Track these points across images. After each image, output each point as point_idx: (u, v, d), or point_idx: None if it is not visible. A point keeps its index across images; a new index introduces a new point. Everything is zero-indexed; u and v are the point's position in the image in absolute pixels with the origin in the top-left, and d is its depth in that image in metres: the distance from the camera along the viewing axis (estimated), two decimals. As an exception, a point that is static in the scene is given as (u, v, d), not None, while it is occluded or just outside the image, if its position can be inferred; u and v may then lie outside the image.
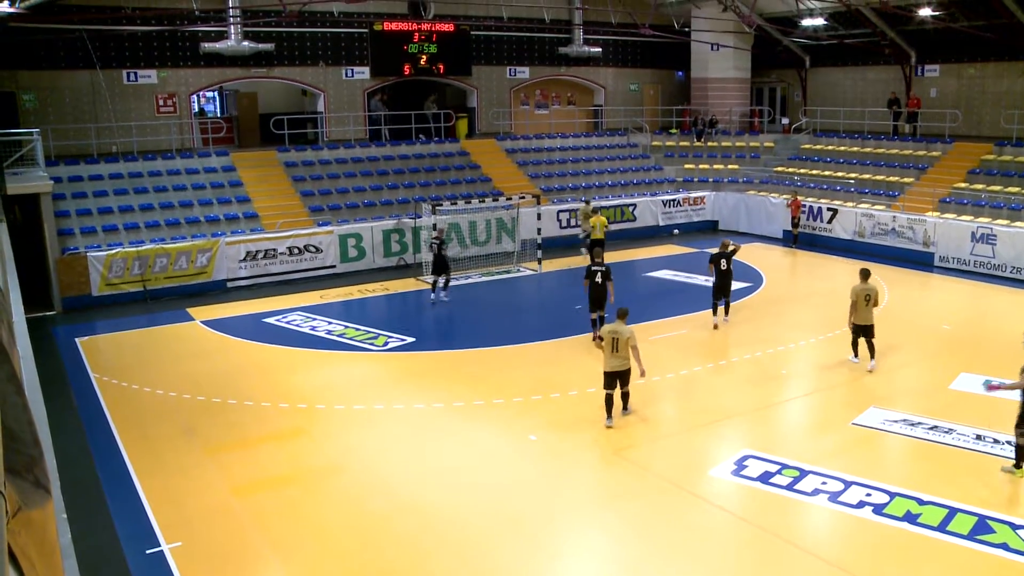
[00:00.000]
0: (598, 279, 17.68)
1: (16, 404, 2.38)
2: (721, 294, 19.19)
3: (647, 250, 27.93)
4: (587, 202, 26.99)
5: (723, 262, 19.01)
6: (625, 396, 13.97)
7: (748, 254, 26.18)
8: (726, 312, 19.46)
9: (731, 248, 19.67)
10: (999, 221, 24.96)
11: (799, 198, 29.14)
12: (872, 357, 16.17)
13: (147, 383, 15.98)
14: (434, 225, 23.36)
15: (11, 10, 21.90)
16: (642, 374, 13.63)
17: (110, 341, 19.22)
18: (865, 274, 16.24)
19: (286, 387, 15.75)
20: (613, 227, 29.88)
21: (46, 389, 15.13)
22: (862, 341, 16.30)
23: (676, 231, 30.88)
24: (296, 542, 10.21)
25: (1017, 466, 11.75)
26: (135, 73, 27.90)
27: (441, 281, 21.90)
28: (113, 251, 22.08)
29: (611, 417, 13.64)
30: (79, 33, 26.13)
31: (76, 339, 19.06)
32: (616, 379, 13.65)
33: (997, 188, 26.93)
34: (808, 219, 29.57)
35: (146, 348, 18.58)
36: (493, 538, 10.25)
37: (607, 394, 13.63)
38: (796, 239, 28.88)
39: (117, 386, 15.92)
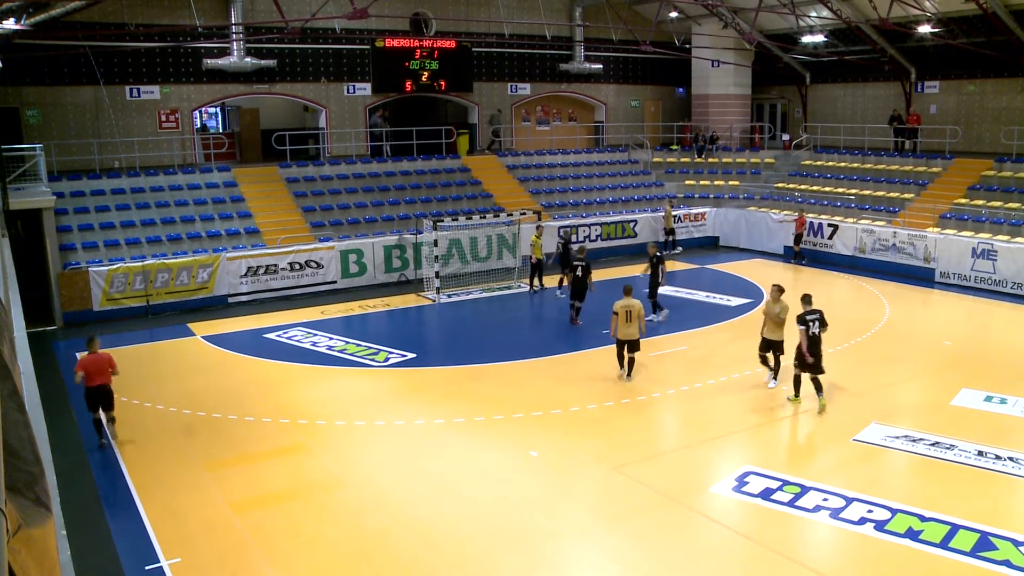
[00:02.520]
0: (579, 273, 20.60)
1: (17, 422, 2.39)
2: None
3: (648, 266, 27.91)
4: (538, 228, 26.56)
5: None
6: (631, 362, 16.60)
7: (749, 270, 26.24)
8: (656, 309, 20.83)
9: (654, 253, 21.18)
10: (1000, 237, 24.99)
11: (804, 215, 29.15)
12: (775, 375, 16.16)
13: (148, 398, 15.98)
14: (560, 230, 26.92)
15: (16, 27, 22.07)
16: (641, 335, 16.48)
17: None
18: (779, 290, 15.87)
19: (287, 403, 15.74)
20: (613, 243, 30.05)
21: (47, 405, 15.09)
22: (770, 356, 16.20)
23: (680, 248, 30.94)
24: (296, 558, 10.19)
25: (797, 396, 15.20)
26: (138, 89, 28.02)
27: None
28: (115, 266, 22.11)
29: (623, 368, 16.65)
30: (83, 49, 26.28)
31: (77, 354, 18.95)
32: (626, 345, 16.45)
33: (997, 204, 26.97)
34: (809, 235, 29.61)
35: (147, 363, 18.57)
36: (493, 554, 10.22)
37: (619, 353, 16.63)
38: (797, 255, 28.88)
39: (117, 401, 15.86)
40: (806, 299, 15.24)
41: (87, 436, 14.21)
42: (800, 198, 31.92)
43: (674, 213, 31.85)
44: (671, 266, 27.19)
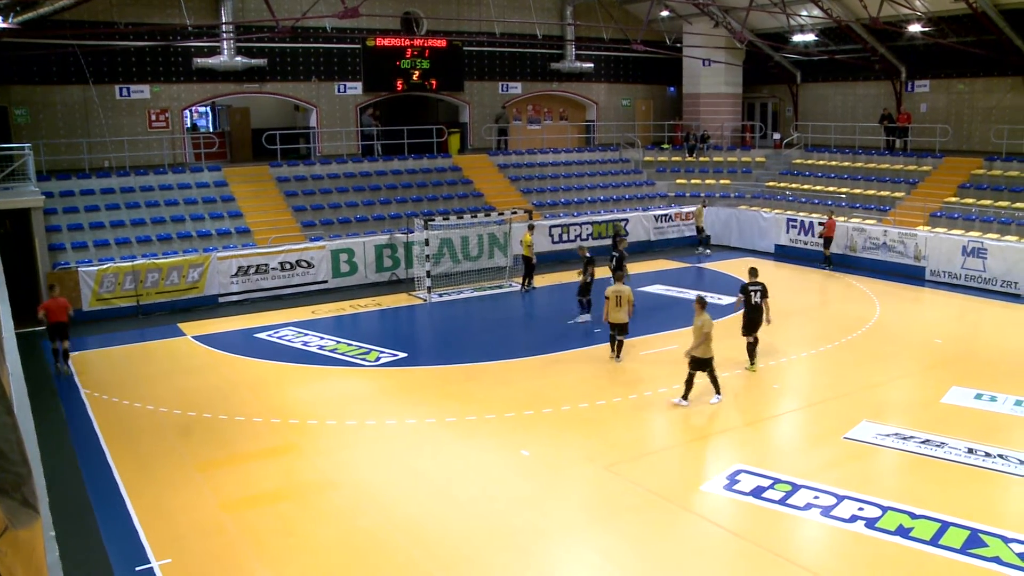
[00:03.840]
0: (611, 264, 21.92)
1: (5, 424, 2.37)
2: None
3: (639, 265, 27.92)
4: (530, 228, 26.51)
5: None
6: (620, 344, 17.70)
7: (740, 269, 26.23)
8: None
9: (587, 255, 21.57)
10: (989, 235, 25.08)
11: (834, 218, 27.94)
12: (717, 391, 15.36)
13: (138, 399, 15.92)
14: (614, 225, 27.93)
15: (4, 25, 21.97)
16: (629, 315, 17.52)
17: (101, 356, 19.14)
18: (702, 303, 15.22)
19: (278, 403, 15.70)
20: (605, 242, 30.05)
21: (35, 405, 15.01)
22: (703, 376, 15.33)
23: (709, 251, 30.74)
24: (287, 558, 10.16)
25: (753, 365, 16.90)
26: (128, 88, 27.92)
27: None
28: (104, 266, 22.03)
29: (620, 356, 17.74)
30: (72, 48, 26.17)
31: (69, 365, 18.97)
32: (618, 328, 17.50)
33: (987, 202, 27.08)
34: (799, 234, 29.68)
35: (137, 364, 18.51)
36: (485, 553, 10.22)
37: (611, 335, 17.79)
38: (829, 260, 27.69)
39: (108, 402, 15.85)
40: (752, 272, 17.37)
41: (76, 437, 14.15)
42: (791, 197, 32.00)
43: (666, 213, 31.91)
44: (664, 264, 27.26)
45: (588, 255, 21.59)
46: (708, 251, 30.71)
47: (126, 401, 15.85)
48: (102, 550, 10.40)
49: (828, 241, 27.67)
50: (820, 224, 28.34)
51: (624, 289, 17.59)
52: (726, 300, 23.22)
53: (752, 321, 16.97)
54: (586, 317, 21.08)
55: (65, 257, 22.61)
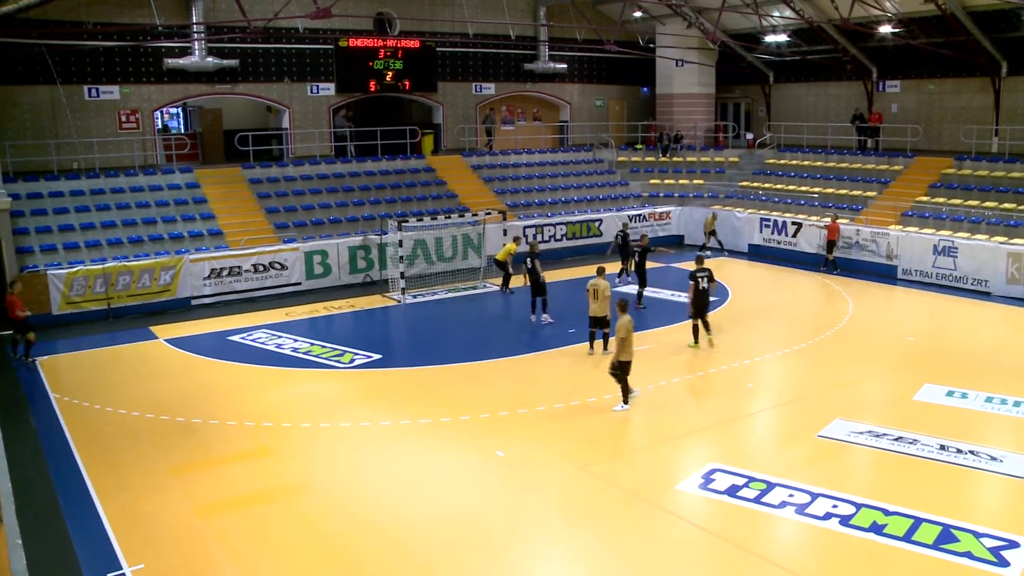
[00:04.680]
0: (637, 259, 22.68)
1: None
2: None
3: (613, 265, 27.93)
4: (516, 240, 26.25)
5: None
6: (605, 337, 18.16)
7: (714, 268, 26.29)
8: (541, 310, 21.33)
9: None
10: (960, 234, 25.33)
11: (837, 221, 27.29)
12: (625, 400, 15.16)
13: (109, 403, 15.73)
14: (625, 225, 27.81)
15: (-32, 25, 21.64)
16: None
17: (71, 361, 18.91)
18: (621, 307, 15.22)
19: (251, 405, 15.57)
20: (580, 242, 30.07)
21: (3, 411, 14.84)
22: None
23: (709, 253, 29.27)
24: (261, 562, 10.07)
25: (696, 342, 18.55)
26: (97, 89, 27.60)
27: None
28: (74, 269, 21.75)
29: (593, 349, 18.33)
30: (38, 48, 25.82)
31: (35, 359, 18.73)
32: (598, 322, 18.10)
33: (958, 201, 27.35)
34: (773, 233, 29.83)
35: (108, 367, 18.30)
36: (461, 555, 10.17)
37: (591, 331, 18.33)
38: (834, 264, 26.98)
39: (78, 407, 15.65)
40: (699, 259, 19.25)
41: (46, 443, 13.96)
42: (764, 197, 32.17)
43: (640, 213, 31.99)
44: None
45: (536, 253, 21.55)
46: (709, 253, 29.21)
47: (97, 405, 15.65)
48: (73, 557, 10.25)
49: (832, 245, 27.08)
50: (823, 227, 27.58)
51: (600, 283, 17.94)
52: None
53: (702, 305, 18.54)
54: (547, 317, 21.08)
55: (34, 260, 22.31)
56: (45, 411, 15.44)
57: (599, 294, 17.85)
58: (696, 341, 18.74)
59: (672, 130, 37.56)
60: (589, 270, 26.45)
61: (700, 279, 18.47)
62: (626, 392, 14.96)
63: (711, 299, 19.07)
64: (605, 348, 18.11)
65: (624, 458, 13.16)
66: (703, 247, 30.51)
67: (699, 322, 18.66)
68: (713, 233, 30.75)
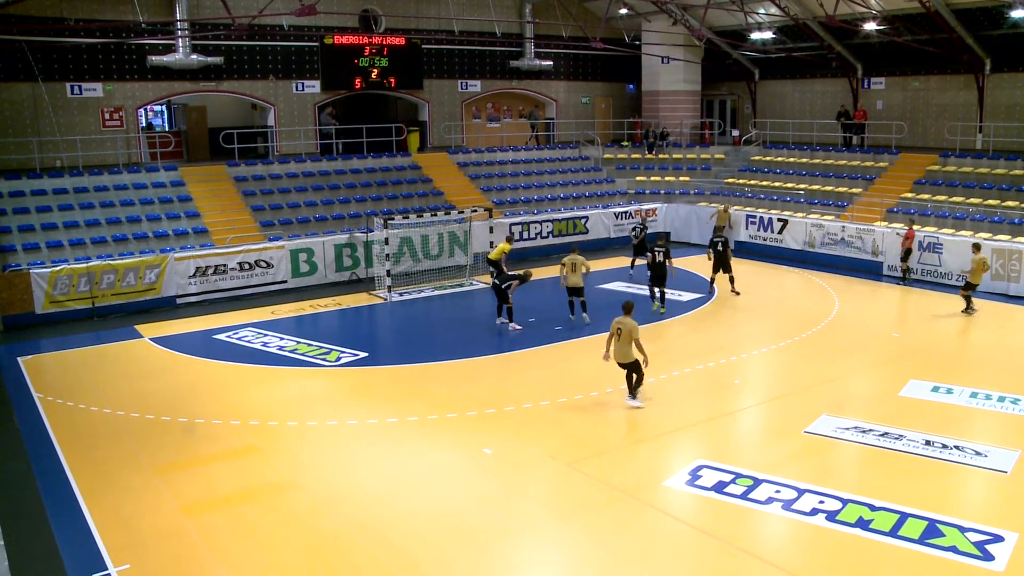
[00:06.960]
0: (659, 258, 22.05)
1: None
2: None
3: (599, 262, 27.96)
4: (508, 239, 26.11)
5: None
6: (583, 305, 20.47)
7: (700, 265, 26.38)
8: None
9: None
10: (945, 230, 25.46)
11: (913, 228, 25.15)
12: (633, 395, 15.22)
13: (94, 403, 15.63)
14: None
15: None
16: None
17: (55, 360, 18.78)
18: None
19: (238, 404, 15.50)
20: (566, 239, 29.98)
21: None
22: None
23: (720, 247, 28.28)
24: (249, 561, 10.02)
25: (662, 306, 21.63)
26: (79, 86, 27.42)
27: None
28: (58, 268, 21.60)
29: (574, 314, 20.75)
30: (18, 44, 25.61)
31: (19, 359, 18.60)
32: (574, 291, 20.37)
33: (943, 198, 27.49)
34: (759, 230, 29.91)
35: (93, 367, 18.17)
36: (448, 552, 10.15)
37: (569, 300, 20.67)
38: (906, 273, 25.23)
39: (63, 406, 15.55)
40: (660, 237, 22.61)
41: (29, 443, 13.86)
42: (750, 193, 32.26)
43: (626, 210, 31.99)
44: (624, 261, 27.34)
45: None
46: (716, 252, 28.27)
47: (82, 405, 15.55)
48: (58, 558, 10.17)
49: (908, 253, 25.01)
50: (898, 235, 25.52)
51: (577, 258, 20.22)
52: (687, 296, 23.40)
53: (659, 276, 21.68)
54: (515, 325, 20.58)
55: (16, 259, 22.15)
56: (29, 411, 15.33)
57: (577, 267, 20.11)
58: (662, 304, 21.95)
59: (658, 127, 37.62)
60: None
61: (656, 253, 21.51)
62: (638, 387, 15.00)
63: (669, 277, 21.75)
64: (584, 311, 20.43)
65: (611, 455, 13.16)
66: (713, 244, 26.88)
67: (655, 289, 21.86)
68: (719, 230, 29.17)
